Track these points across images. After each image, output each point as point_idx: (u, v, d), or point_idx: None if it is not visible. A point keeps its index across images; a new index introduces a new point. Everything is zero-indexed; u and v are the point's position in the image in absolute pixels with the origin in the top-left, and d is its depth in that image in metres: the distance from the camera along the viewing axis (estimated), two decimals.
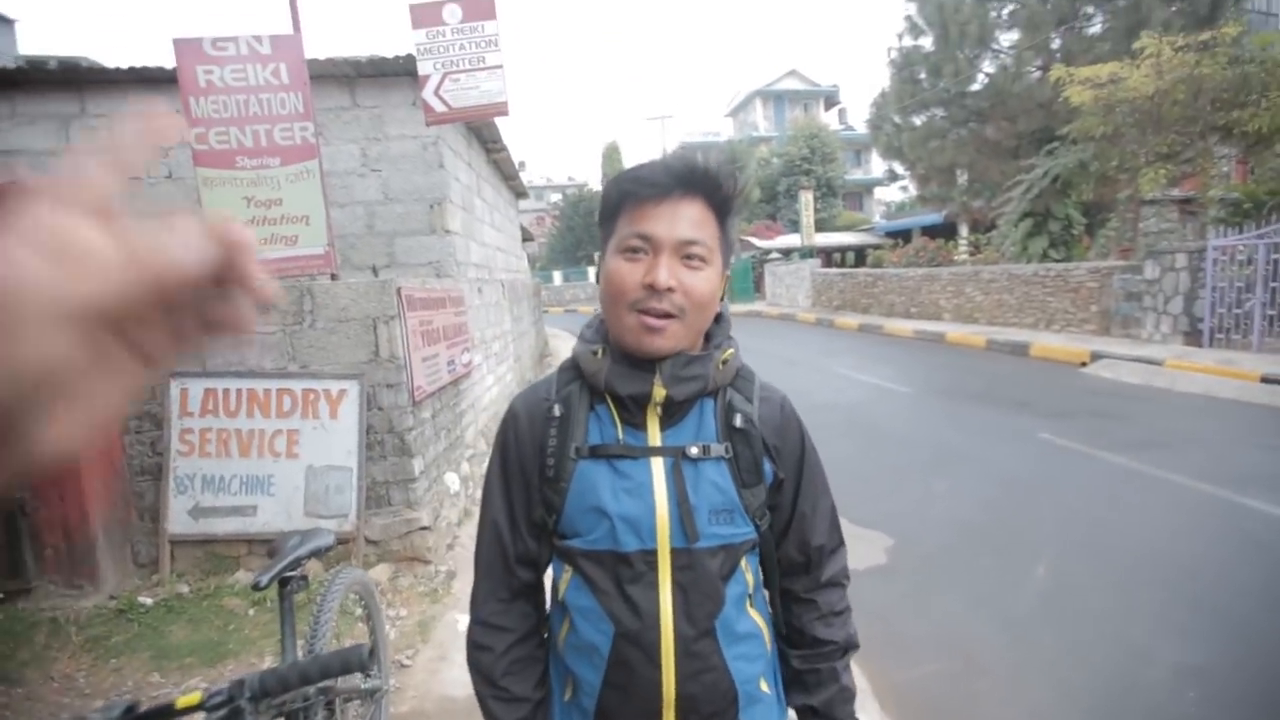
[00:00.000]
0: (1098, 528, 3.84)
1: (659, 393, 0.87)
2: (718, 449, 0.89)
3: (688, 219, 0.85)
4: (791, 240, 25.57)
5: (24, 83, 4.57)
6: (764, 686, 0.95)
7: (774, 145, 34.50)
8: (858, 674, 2.59)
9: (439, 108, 3.90)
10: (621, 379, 0.88)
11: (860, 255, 25.27)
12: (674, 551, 0.87)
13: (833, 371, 9.54)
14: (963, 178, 17.36)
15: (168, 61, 3.95)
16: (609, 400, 0.91)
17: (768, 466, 0.93)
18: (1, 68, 4.60)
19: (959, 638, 2.88)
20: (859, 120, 33.79)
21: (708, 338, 0.94)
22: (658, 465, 0.88)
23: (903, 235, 25.03)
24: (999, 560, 3.54)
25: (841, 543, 1.01)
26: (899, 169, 19.41)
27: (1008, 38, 15.40)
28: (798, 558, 0.98)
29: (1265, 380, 6.68)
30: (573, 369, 0.95)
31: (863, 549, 3.77)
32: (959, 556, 3.62)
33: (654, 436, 0.90)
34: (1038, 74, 14.56)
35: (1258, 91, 9.32)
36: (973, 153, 15.99)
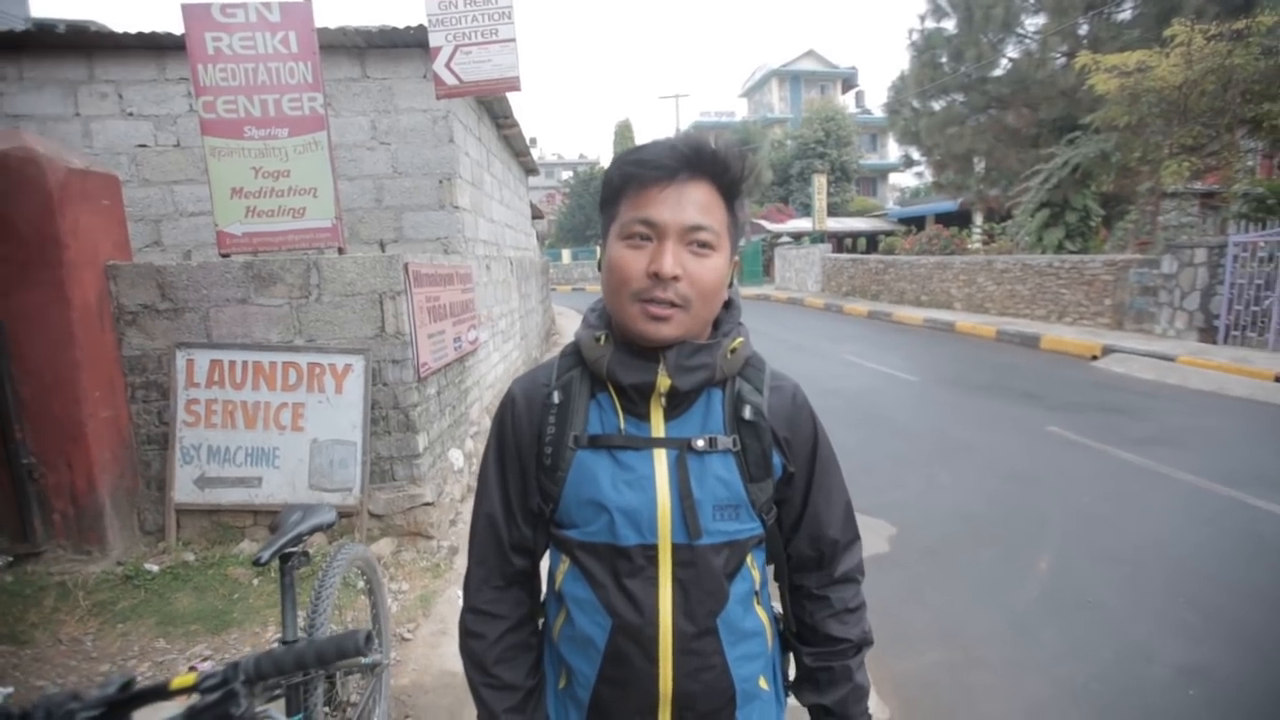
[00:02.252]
0: (1103, 524, 3.81)
1: (664, 383, 0.83)
2: (725, 441, 0.86)
3: (694, 203, 0.80)
4: (803, 224, 25.32)
5: (32, 46, 4.52)
6: (763, 684, 0.93)
7: (789, 127, 34.02)
8: None
9: (450, 81, 3.84)
10: (624, 368, 0.84)
11: (872, 241, 25.01)
12: (675, 547, 0.84)
13: (839, 358, 9.49)
14: (980, 165, 17.10)
15: (176, 27, 3.90)
16: (611, 389, 0.87)
17: (777, 459, 0.89)
18: (9, 30, 4.55)
19: (959, 629, 2.87)
20: (876, 104, 33.22)
21: (716, 325, 0.90)
22: (660, 457, 0.85)
23: (916, 222, 24.73)
24: (1002, 553, 3.53)
25: (856, 537, 0.98)
26: (915, 154, 19.14)
27: (1033, 22, 15.05)
28: (810, 552, 0.95)
29: (1279, 379, 6.59)
30: (574, 355, 0.91)
31: (865, 537, 3.71)
32: (962, 548, 3.61)
33: (657, 427, 0.86)
34: (1062, 60, 14.24)
35: None
36: (991, 140, 15.72)
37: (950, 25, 16.14)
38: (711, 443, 0.85)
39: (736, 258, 0.91)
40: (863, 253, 22.75)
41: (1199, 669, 2.52)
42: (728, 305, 0.92)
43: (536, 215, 11.51)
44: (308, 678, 1.59)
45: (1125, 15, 13.88)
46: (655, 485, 0.84)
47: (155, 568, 3.19)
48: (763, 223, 27.37)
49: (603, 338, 0.87)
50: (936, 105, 17.06)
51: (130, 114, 4.66)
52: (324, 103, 3.53)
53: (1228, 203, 10.66)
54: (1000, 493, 4.35)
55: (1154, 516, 3.88)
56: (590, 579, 0.86)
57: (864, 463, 5.03)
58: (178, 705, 0.83)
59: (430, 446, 3.70)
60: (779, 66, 38.76)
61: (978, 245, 17.13)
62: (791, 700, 1.02)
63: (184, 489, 3.36)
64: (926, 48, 16.64)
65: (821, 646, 0.94)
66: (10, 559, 3.13)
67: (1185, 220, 11.06)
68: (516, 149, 8.07)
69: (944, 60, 16.32)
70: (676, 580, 0.84)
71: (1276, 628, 2.75)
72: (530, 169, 9.54)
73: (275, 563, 1.57)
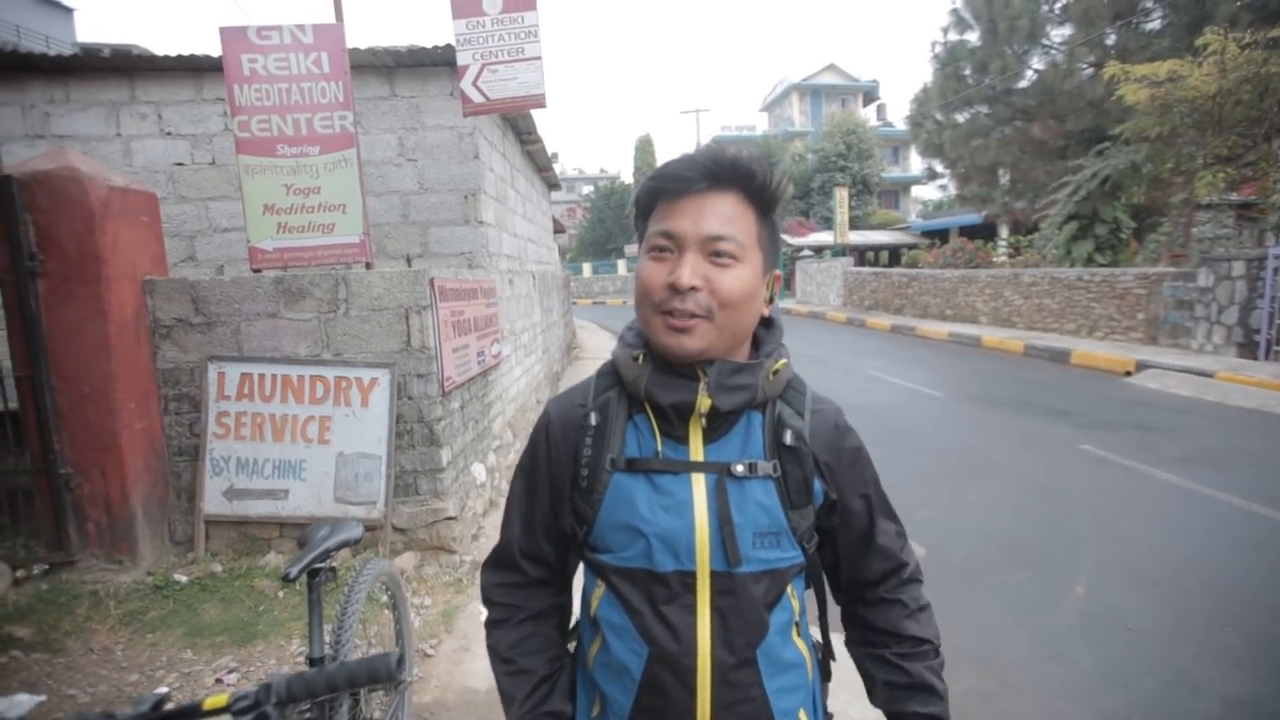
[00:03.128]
0: (1142, 546, 3.68)
1: (704, 402, 0.81)
2: (765, 467, 0.83)
3: (715, 214, 0.79)
4: (824, 238, 25.19)
5: (78, 69, 4.70)
6: (803, 717, 0.90)
7: (809, 141, 33.99)
8: None
9: (476, 98, 3.90)
10: (663, 387, 0.82)
11: (895, 255, 24.78)
12: (714, 575, 0.81)
13: (862, 373, 9.37)
14: (1005, 178, 16.88)
15: (214, 50, 4.02)
16: (649, 410, 0.86)
17: (818, 486, 0.87)
18: (59, 55, 4.74)
19: (992, 654, 2.78)
20: (898, 117, 33.08)
21: (756, 345, 0.88)
22: (699, 482, 0.83)
23: (939, 235, 24.47)
24: (1035, 575, 3.42)
25: (906, 537, 0.96)
26: (939, 167, 18.97)
27: (1059, 33, 14.88)
28: (882, 567, 0.93)
29: None
30: (611, 374, 0.90)
31: None
32: (992, 569, 3.51)
33: (696, 451, 0.84)
34: (1090, 71, 14.04)
35: None
36: (1017, 152, 15.52)
37: (974, 37, 16.03)
38: (751, 468, 0.83)
39: (778, 272, 0.88)
40: (885, 266, 22.55)
41: (1248, 700, 2.40)
42: (770, 325, 0.89)
43: (558, 229, 11.62)
44: (334, 695, 1.59)
45: (1154, 25, 13.67)
46: (694, 510, 0.81)
47: (184, 578, 3.23)
48: (784, 236, 27.27)
49: (641, 357, 0.85)
50: (960, 117, 16.92)
51: (169, 133, 4.81)
52: (354, 121, 3.61)
53: (1265, 214, 10.35)
54: (1031, 512, 4.23)
55: (1195, 539, 3.74)
56: (626, 605, 0.84)
57: (888, 480, 4.87)
58: None
59: (454, 461, 3.71)
60: (799, 80, 38.83)
61: (1004, 258, 16.87)
62: None
63: (213, 500, 3.42)
64: (950, 60, 16.54)
65: (907, 649, 0.91)
66: (46, 567, 3.20)
67: (1221, 232, 10.76)
68: (539, 164, 8.17)
69: (967, 72, 16.19)
70: (715, 609, 0.82)
71: None
72: (552, 184, 9.64)
73: (303, 578, 1.58)
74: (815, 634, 0.99)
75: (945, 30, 16.61)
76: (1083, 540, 3.80)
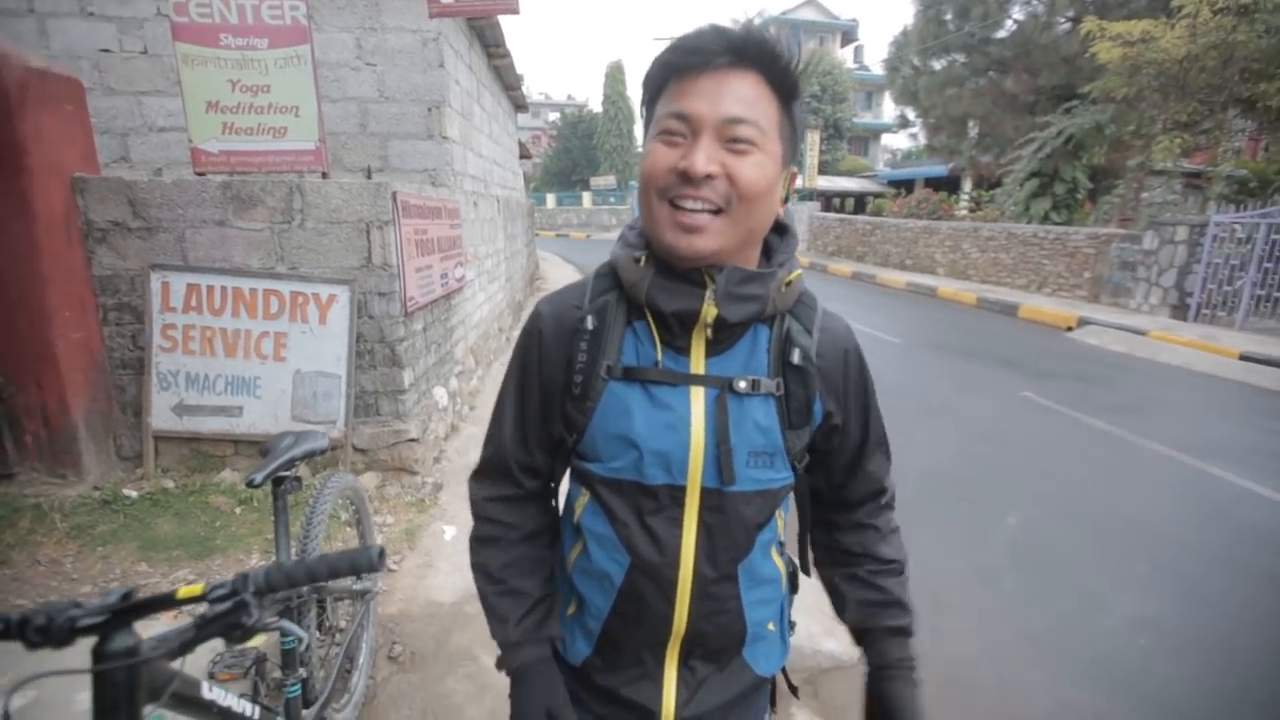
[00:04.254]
0: (1070, 485, 3.96)
1: (709, 311, 0.75)
2: (769, 385, 0.79)
3: (736, 95, 0.71)
4: None
5: None
6: (771, 627, 0.92)
7: None
8: (825, 607, 2.70)
9: None
10: (666, 293, 0.76)
11: (860, 202, 24.87)
12: (705, 491, 0.79)
13: None
14: (974, 130, 16.93)
15: None
16: (649, 316, 0.80)
17: (819, 407, 0.84)
18: None
19: (928, 579, 2.98)
20: (875, 61, 32.41)
21: (768, 253, 0.83)
22: (698, 396, 0.78)
23: (906, 185, 24.60)
24: (972, 509, 3.66)
25: (891, 460, 0.96)
26: (911, 115, 18.86)
27: None
28: (865, 493, 0.93)
29: (1244, 358, 6.82)
30: (610, 276, 0.83)
31: None
32: (935, 503, 3.73)
33: (698, 363, 0.79)
34: (1067, 26, 13.97)
35: None
36: (988, 104, 15.52)
37: None
38: (755, 385, 0.79)
39: (795, 169, 0.82)
40: (851, 213, 22.63)
41: (1150, 620, 2.67)
42: (783, 231, 0.84)
43: (524, 155, 11.14)
44: (301, 600, 1.60)
45: None
46: (690, 426, 0.78)
47: (134, 493, 3.14)
48: None
49: (643, 259, 0.78)
50: (937, 65, 16.72)
51: (91, 14, 4.31)
52: (306, 13, 3.30)
53: (1211, 183, 10.77)
54: (974, 453, 4.48)
55: (1118, 481, 4.04)
56: (611, 516, 0.82)
57: None
58: (165, 622, 0.82)
59: (416, 383, 3.65)
60: (778, 14, 37.43)
61: (965, 212, 17.14)
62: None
63: (161, 416, 3.29)
64: (932, 3, 16.17)
65: (876, 566, 0.93)
66: None
67: (1170, 198, 11.17)
68: (507, 82, 7.73)
69: (949, 18, 15.90)
70: (703, 524, 0.80)
71: (1224, 585, 2.92)
72: (520, 105, 9.17)
73: (267, 486, 1.54)
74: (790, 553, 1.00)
75: None
76: (1018, 478, 4.06)
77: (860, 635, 0.95)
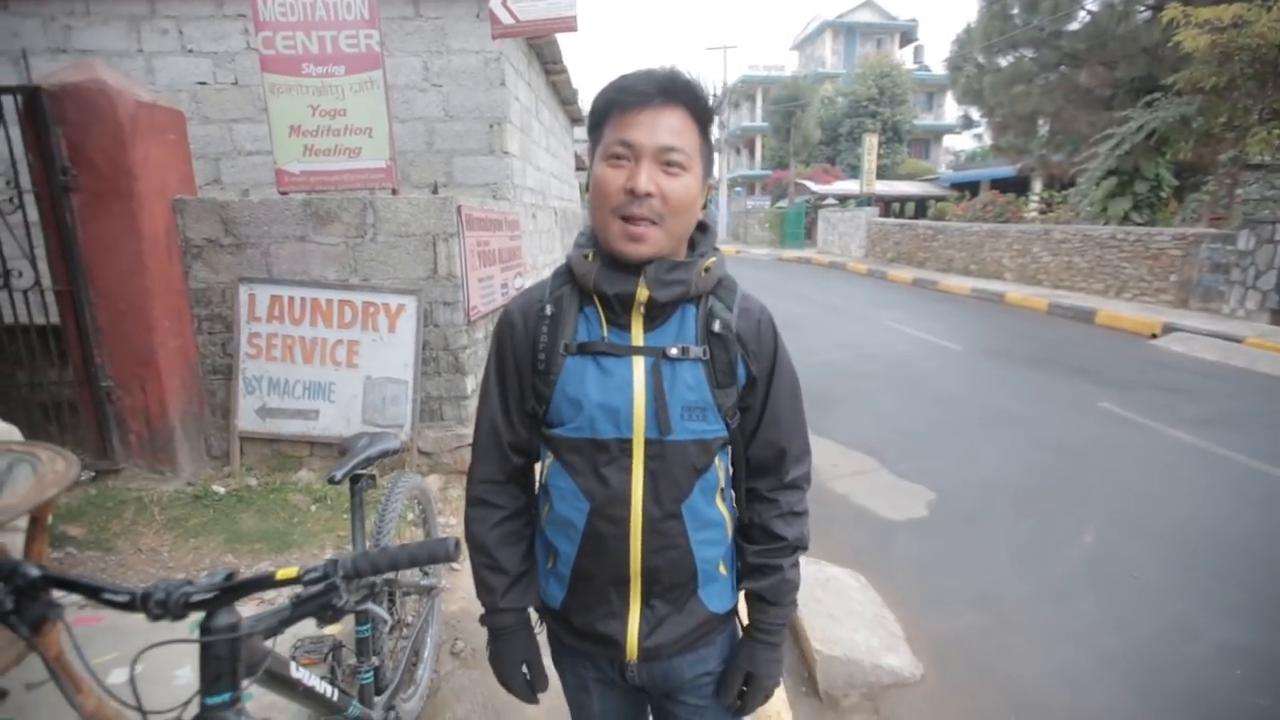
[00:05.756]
0: (1152, 501, 3.72)
1: (643, 293, 0.92)
2: (696, 351, 0.96)
3: (668, 127, 0.89)
4: (849, 186, 24.49)
5: None
6: (722, 569, 1.05)
7: (841, 83, 32.54)
8: (891, 620, 2.64)
9: (506, 19, 3.77)
10: (609, 280, 0.94)
11: (921, 207, 24.09)
12: (648, 441, 0.94)
13: (881, 324, 9.29)
14: (1044, 128, 16.15)
15: None
16: (597, 301, 0.97)
17: (741, 369, 0.99)
18: None
19: (996, 595, 2.88)
20: (935, 60, 31.45)
21: (692, 246, 1.00)
22: (639, 363, 0.95)
23: (970, 188, 23.68)
24: (1043, 524, 3.49)
25: (808, 450, 1.08)
26: (975, 115, 18.17)
27: None
28: (767, 455, 1.05)
29: None
30: (565, 273, 1.01)
31: (904, 501, 3.76)
32: (1002, 517, 3.58)
33: (637, 337, 0.96)
34: (1147, 15, 13.16)
35: None
36: (1060, 100, 14.77)
37: None
38: (684, 351, 0.95)
39: (711, 182, 1.01)
40: (911, 218, 21.95)
41: (1245, 649, 2.48)
42: (704, 230, 1.02)
43: (580, 167, 11.38)
44: (375, 590, 1.69)
45: None
46: (633, 387, 0.94)
47: (222, 490, 3.39)
48: (807, 183, 26.53)
49: (591, 254, 0.96)
50: (1003, 61, 16.03)
51: (190, 51, 4.72)
52: (379, 40, 3.52)
53: None
54: (1045, 465, 4.27)
55: (1205, 496, 3.77)
56: (572, 470, 0.98)
57: (904, 427, 4.98)
58: (252, 607, 0.90)
59: (477, 389, 3.78)
60: (834, 18, 36.85)
61: (1034, 213, 16.34)
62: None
63: (247, 418, 3.53)
64: None
65: (764, 544, 1.06)
66: (94, 474, 3.36)
67: (1269, 194, 10.29)
68: (564, 96, 7.94)
69: (1015, 12, 15.25)
70: (648, 470, 0.95)
71: None
72: (575, 119, 9.39)
73: (346, 483, 1.65)
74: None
75: None
76: (1093, 493, 3.84)
77: (746, 595, 1.10)
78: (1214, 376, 6.50)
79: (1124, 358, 7.33)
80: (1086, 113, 14.11)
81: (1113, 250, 10.97)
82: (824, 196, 24.94)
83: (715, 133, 1.00)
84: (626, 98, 0.90)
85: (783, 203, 27.98)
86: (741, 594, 1.11)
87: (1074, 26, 14.57)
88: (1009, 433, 4.85)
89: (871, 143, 21.58)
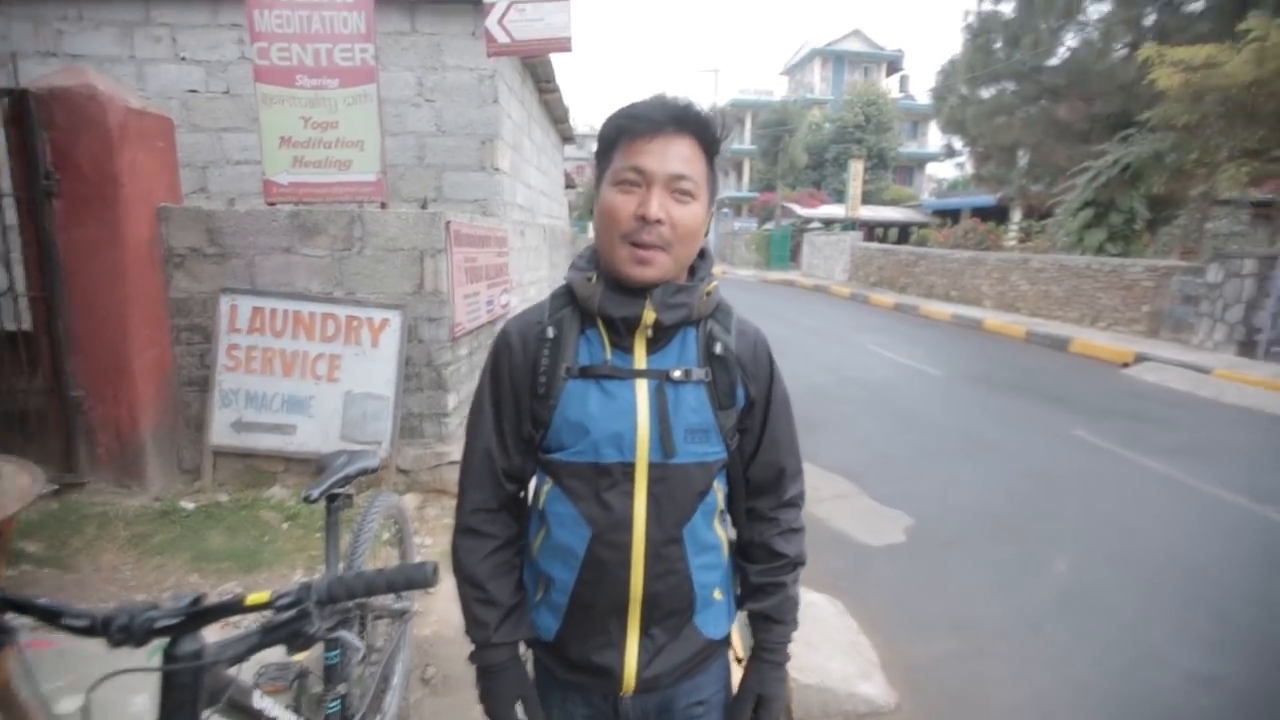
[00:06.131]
0: (1125, 530, 3.78)
1: (649, 316, 0.93)
2: (698, 373, 0.96)
3: (678, 155, 0.90)
4: (835, 210, 24.86)
5: None
6: (718, 595, 1.04)
7: (828, 109, 33.18)
8: (867, 646, 2.64)
9: (501, 38, 3.81)
10: (614, 303, 0.94)
11: (904, 233, 24.49)
12: (651, 465, 0.94)
13: (863, 348, 9.39)
14: (1024, 159, 16.57)
15: None
16: (600, 324, 0.97)
17: (741, 391, 1.00)
18: None
19: (972, 621, 2.89)
20: (920, 90, 32.25)
21: (692, 271, 1.00)
22: (642, 386, 0.95)
23: (951, 215, 24.15)
24: (1020, 551, 3.52)
25: (801, 469, 1.10)
26: (958, 144, 18.63)
27: (1098, 9, 14.35)
28: (767, 476, 1.05)
29: None
30: (565, 295, 1.00)
31: (883, 526, 3.78)
32: (979, 543, 3.61)
33: (640, 360, 0.96)
34: (1124, 52, 13.63)
35: None
36: (1040, 133, 15.18)
37: (1008, 9, 15.51)
38: (687, 374, 0.96)
39: (714, 209, 1.01)
40: (894, 243, 22.32)
41: (1214, 677, 2.51)
42: (703, 255, 1.02)
43: (569, 185, 11.44)
44: (347, 615, 1.66)
45: (1197, 6, 13.19)
46: (636, 410, 0.94)
47: (191, 505, 3.31)
48: (794, 207, 26.91)
49: (594, 277, 0.96)
50: (985, 93, 16.48)
51: (183, 58, 4.71)
52: (374, 54, 3.54)
53: None
54: (1021, 492, 4.32)
55: (1176, 525, 3.84)
56: (573, 495, 0.96)
57: (884, 452, 5.02)
58: (217, 631, 0.88)
59: (459, 407, 3.76)
60: (823, 45, 37.68)
61: (1014, 242, 16.69)
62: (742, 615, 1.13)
63: (221, 431, 3.47)
64: (981, 31, 16.03)
65: (767, 563, 1.06)
66: (56, 487, 3.26)
67: (1237, 229, 10.64)
68: (555, 115, 8.01)
69: (998, 45, 15.71)
70: (651, 494, 0.94)
71: None
72: (567, 137, 9.47)
73: (322, 502, 1.63)
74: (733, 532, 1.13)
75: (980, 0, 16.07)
76: (1069, 521, 3.89)
77: (749, 616, 1.10)
78: (1183, 406, 6.65)
79: (1098, 386, 7.48)
80: (1065, 146, 14.51)
81: (1088, 280, 11.23)
82: (809, 220, 25.28)
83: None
84: (638, 125, 0.90)
85: (769, 225, 28.32)
86: (738, 618, 1.10)
87: (1054, 62, 15.04)
88: (987, 459, 4.91)
89: (857, 168, 21.98)
